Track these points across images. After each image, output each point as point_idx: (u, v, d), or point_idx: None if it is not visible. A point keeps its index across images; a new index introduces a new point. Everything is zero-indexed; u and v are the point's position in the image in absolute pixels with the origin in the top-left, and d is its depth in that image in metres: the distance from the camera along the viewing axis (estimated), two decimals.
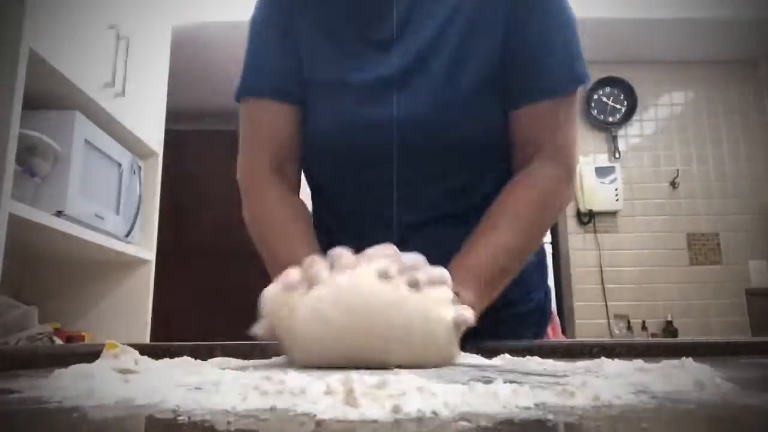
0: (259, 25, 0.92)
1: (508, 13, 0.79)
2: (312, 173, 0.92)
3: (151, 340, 2.16)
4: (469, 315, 0.52)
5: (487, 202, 0.78)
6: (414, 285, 0.50)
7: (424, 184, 0.82)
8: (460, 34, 0.80)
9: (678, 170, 3.84)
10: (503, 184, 0.80)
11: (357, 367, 0.46)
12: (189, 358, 0.55)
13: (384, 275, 0.49)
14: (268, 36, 0.90)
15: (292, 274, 0.53)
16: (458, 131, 0.79)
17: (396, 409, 0.24)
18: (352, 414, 0.24)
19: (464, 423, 0.22)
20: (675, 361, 0.39)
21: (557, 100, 0.79)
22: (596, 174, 3.74)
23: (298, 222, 0.83)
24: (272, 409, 0.25)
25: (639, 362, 0.43)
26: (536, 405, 0.25)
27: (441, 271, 0.53)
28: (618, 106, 3.93)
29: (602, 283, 3.68)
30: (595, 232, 3.76)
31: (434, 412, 0.24)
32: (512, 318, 0.85)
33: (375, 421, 0.23)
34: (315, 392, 0.27)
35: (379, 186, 0.82)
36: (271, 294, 0.53)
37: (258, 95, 0.88)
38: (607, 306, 3.65)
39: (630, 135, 3.93)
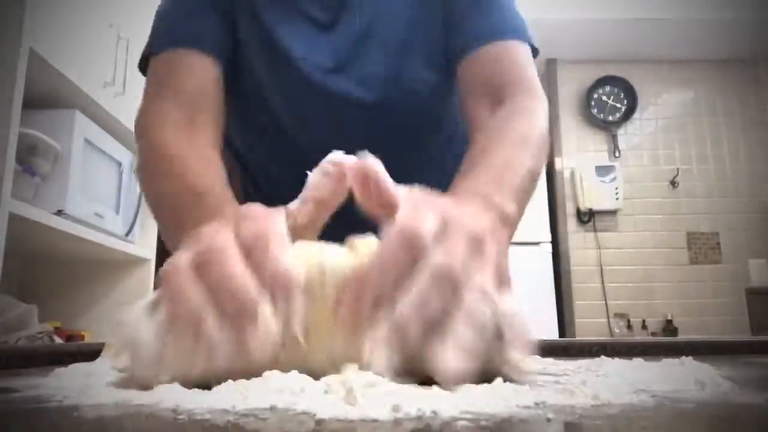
0: None
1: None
2: (237, 147, 0.80)
3: None
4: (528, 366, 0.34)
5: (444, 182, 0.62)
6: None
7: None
8: (405, 12, 0.75)
9: (678, 169, 3.84)
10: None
11: None
12: None
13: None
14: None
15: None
16: (411, 106, 0.76)
17: (396, 408, 0.24)
18: (352, 413, 0.24)
19: (464, 423, 0.22)
20: (675, 360, 0.39)
21: (514, 43, 0.73)
22: (596, 173, 3.74)
23: (212, 162, 0.62)
24: (272, 408, 0.25)
25: (639, 361, 0.43)
26: (536, 404, 0.25)
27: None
28: (618, 105, 3.93)
29: (602, 282, 3.68)
30: (595, 230, 3.76)
31: (434, 411, 0.24)
32: None
33: (375, 420, 0.23)
34: (315, 391, 0.28)
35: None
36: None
37: (169, 47, 0.71)
38: (607, 305, 3.65)
39: (630, 134, 3.93)
